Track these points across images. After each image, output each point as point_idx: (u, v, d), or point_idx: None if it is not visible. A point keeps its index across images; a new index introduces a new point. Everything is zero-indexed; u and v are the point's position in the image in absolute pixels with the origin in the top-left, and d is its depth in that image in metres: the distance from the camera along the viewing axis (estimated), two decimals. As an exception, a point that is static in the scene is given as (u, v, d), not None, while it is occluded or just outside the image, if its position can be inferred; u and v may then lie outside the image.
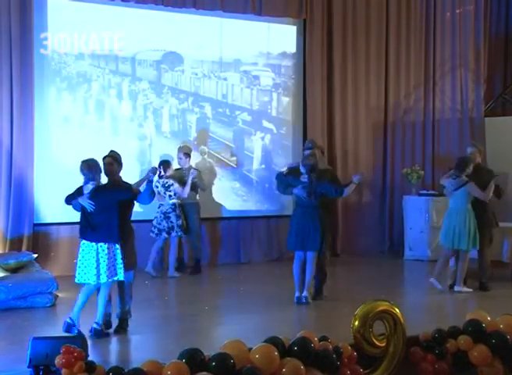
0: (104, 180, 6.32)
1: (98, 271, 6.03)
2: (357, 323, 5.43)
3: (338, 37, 11.02)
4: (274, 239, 10.52)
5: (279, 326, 6.39)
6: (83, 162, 6.13)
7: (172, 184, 9.07)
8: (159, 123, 9.94)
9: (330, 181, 7.69)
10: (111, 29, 9.53)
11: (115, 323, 6.32)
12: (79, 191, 6.13)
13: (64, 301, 7.26)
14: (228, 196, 10.43)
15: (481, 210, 8.14)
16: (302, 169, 7.49)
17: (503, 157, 10.96)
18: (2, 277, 7.49)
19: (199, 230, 9.57)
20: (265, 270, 9.90)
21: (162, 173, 9.07)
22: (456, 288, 8.16)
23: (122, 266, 6.11)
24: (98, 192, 6.06)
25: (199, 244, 9.58)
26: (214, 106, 10.30)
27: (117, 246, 6.10)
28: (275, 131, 10.76)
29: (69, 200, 6.19)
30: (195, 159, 10.03)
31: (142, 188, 6.30)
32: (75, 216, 6.34)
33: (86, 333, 5.88)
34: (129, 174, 6.44)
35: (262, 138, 10.68)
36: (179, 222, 9.11)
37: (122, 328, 6.31)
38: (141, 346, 6.06)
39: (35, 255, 8.38)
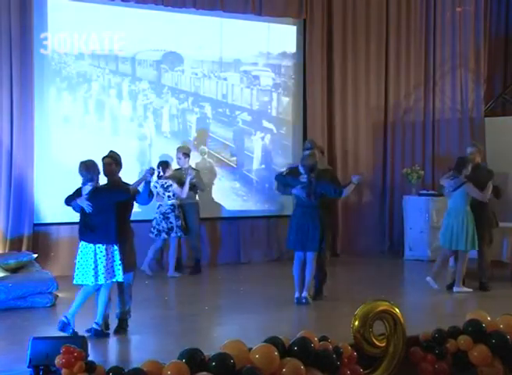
0: (103, 180, 6.32)
1: (96, 272, 6.02)
2: (357, 323, 5.44)
3: (338, 37, 11.02)
4: (274, 239, 10.52)
5: (279, 326, 6.39)
6: (82, 163, 6.13)
7: (171, 185, 9.07)
8: (159, 123, 9.94)
9: (330, 181, 7.68)
10: (111, 29, 9.53)
11: (114, 323, 6.32)
12: (78, 193, 6.14)
13: (64, 301, 7.24)
14: (228, 196, 10.43)
15: (479, 210, 8.15)
16: (301, 170, 7.49)
17: (503, 157, 10.96)
18: (2, 277, 7.49)
19: (198, 230, 9.57)
20: (265, 270, 9.90)
21: (161, 173, 9.08)
22: (455, 289, 8.16)
23: (120, 267, 6.11)
24: (96, 193, 6.06)
25: (199, 244, 9.58)
26: (214, 106, 10.30)
27: (115, 247, 6.10)
28: (275, 131, 10.76)
29: (69, 201, 6.20)
30: (195, 159, 10.04)
31: (141, 188, 6.30)
32: (75, 216, 6.34)
33: (81, 333, 5.87)
34: (129, 174, 6.44)
35: (262, 138, 10.68)
36: (179, 222, 9.11)
37: (122, 328, 6.31)
38: (141, 346, 6.06)
39: (35, 255, 8.38)
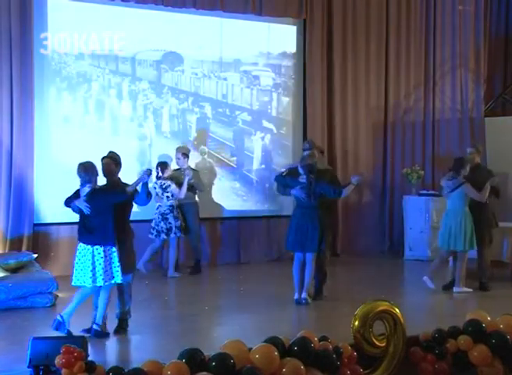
0: (103, 180, 6.32)
1: (94, 274, 6.02)
2: (357, 323, 5.44)
3: (338, 37, 11.02)
4: (274, 239, 10.51)
5: (279, 326, 6.39)
6: (80, 164, 6.13)
7: (170, 185, 9.07)
8: (159, 123, 9.94)
9: (329, 182, 7.67)
10: (111, 29, 9.53)
11: (114, 323, 6.32)
12: (76, 194, 6.14)
13: (64, 301, 7.19)
14: (228, 196, 10.43)
15: (478, 211, 8.15)
16: (300, 170, 7.48)
17: (503, 157, 10.96)
18: (2, 277, 7.49)
19: (198, 230, 9.57)
20: (265, 270, 9.90)
21: (160, 174, 9.09)
22: (455, 289, 8.16)
23: (119, 268, 6.10)
24: (94, 195, 6.06)
25: (199, 244, 9.58)
26: (214, 106, 10.31)
27: (113, 249, 6.10)
28: (275, 131, 10.76)
29: (68, 202, 6.20)
30: (195, 159, 10.05)
31: (139, 188, 6.29)
32: (75, 216, 6.33)
33: (77, 333, 5.88)
34: (130, 174, 6.43)
35: (262, 138, 10.68)
36: (178, 223, 9.10)
37: (122, 328, 6.31)
38: (141, 346, 6.06)
39: (35, 255, 8.38)
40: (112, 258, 6.08)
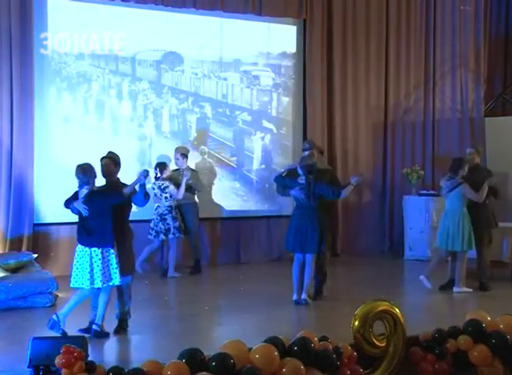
0: (102, 181, 6.32)
1: (92, 276, 6.02)
2: (357, 323, 5.44)
3: (338, 37, 11.02)
4: (274, 239, 10.51)
5: (279, 326, 6.39)
6: (78, 166, 6.12)
7: (168, 186, 9.07)
8: (159, 123, 9.94)
9: (329, 182, 7.65)
10: (111, 29, 9.53)
11: (114, 323, 6.32)
12: (75, 196, 6.14)
13: (64, 302, 7.19)
14: (228, 196, 10.43)
15: (476, 211, 8.15)
16: (299, 171, 7.47)
17: (503, 157, 10.96)
18: (2, 277, 7.49)
19: (197, 230, 9.56)
20: (265, 270, 9.90)
21: (159, 174, 9.09)
22: (455, 289, 8.17)
23: (117, 270, 6.09)
24: (92, 197, 6.06)
25: (198, 244, 9.58)
26: (214, 106, 10.31)
27: (111, 251, 6.09)
28: (275, 131, 10.76)
29: (67, 204, 6.21)
30: (195, 159, 10.05)
31: (137, 188, 6.28)
32: (75, 217, 6.33)
33: (73, 332, 5.87)
34: (129, 174, 6.43)
35: (262, 138, 10.68)
36: (176, 223, 9.10)
37: (122, 328, 6.31)
38: (141, 346, 6.06)
39: (35, 255, 8.38)
40: (109, 260, 6.07)
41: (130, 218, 6.52)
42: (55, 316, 5.98)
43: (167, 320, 6.90)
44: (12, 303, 7.20)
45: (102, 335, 6.09)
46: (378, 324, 5.53)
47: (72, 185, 6.27)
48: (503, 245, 8.99)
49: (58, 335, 5.79)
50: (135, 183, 6.16)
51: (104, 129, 9.58)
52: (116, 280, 6.11)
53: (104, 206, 6.07)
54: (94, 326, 6.10)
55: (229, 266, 10.06)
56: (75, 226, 6.36)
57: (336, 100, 11.03)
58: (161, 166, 9.19)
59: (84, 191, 6.07)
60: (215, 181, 10.33)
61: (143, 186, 6.20)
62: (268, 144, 10.71)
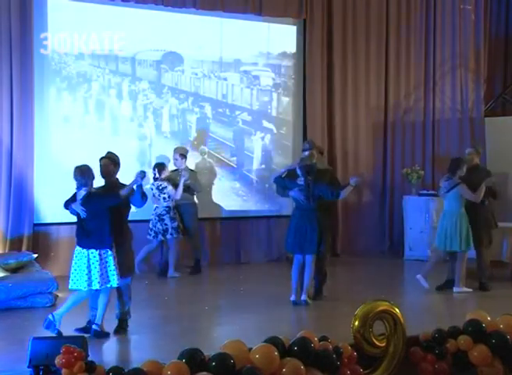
0: (101, 181, 6.32)
1: (90, 277, 6.02)
2: (357, 323, 5.44)
3: (338, 37, 11.02)
4: (274, 239, 10.51)
5: (279, 326, 6.39)
6: (77, 168, 6.12)
7: (166, 187, 9.07)
8: (159, 123, 9.95)
9: (329, 182, 7.64)
10: (111, 29, 9.53)
11: (114, 323, 6.32)
12: (74, 197, 6.14)
13: (64, 302, 7.23)
14: (228, 196, 10.43)
15: (474, 211, 8.14)
16: (298, 172, 7.46)
17: (503, 157, 10.96)
18: (2, 277, 7.49)
19: (197, 230, 9.56)
20: (265, 270, 9.90)
21: (157, 175, 9.09)
22: (455, 289, 8.16)
23: (115, 272, 6.08)
24: (90, 199, 6.06)
25: (198, 244, 9.58)
26: (214, 106, 10.31)
27: (109, 252, 6.09)
28: (275, 131, 10.76)
29: (67, 205, 6.22)
30: (195, 159, 10.05)
31: (135, 188, 6.27)
32: (75, 217, 6.33)
33: (70, 332, 5.88)
34: (130, 175, 6.42)
35: (262, 138, 10.68)
36: (174, 224, 9.09)
37: (122, 328, 6.32)
38: (141, 346, 6.06)
39: (35, 255, 8.38)
40: (107, 262, 6.07)
41: (130, 218, 6.52)
42: (50, 316, 5.98)
43: (167, 320, 6.90)
44: (12, 303, 7.20)
45: (102, 335, 6.09)
46: (378, 324, 5.53)
47: (72, 185, 6.26)
48: (502, 245, 8.99)
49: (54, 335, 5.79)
50: (132, 184, 6.16)
51: (104, 129, 9.58)
52: (114, 282, 6.10)
53: (102, 208, 6.07)
54: (94, 327, 6.10)
55: (229, 266, 10.06)
56: (75, 227, 6.36)
57: (336, 100, 11.03)
58: (160, 166, 9.20)
59: (82, 192, 6.08)
60: (215, 181, 10.33)
61: (140, 187, 6.20)
62: (268, 144, 10.71)
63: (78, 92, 9.43)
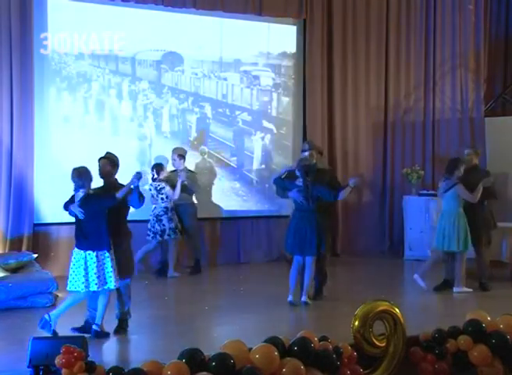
0: (100, 182, 6.32)
1: (87, 279, 6.01)
2: (357, 323, 5.44)
3: (338, 37, 11.02)
4: (274, 239, 10.50)
5: (279, 326, 6.39)
6: (74, 169, 6.12)
7: (164, 187, 9.07)
8: (159, 123, 9.95)
9: (329, 182, 7.63)
10: (111, 29, 9.53)
11: (114, 323, 6.32)
12: (72, 199, 6.15)
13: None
14: (228, 196, 10.43)
15: (472, 211, 8.13)
16: (297, 173, 7.45)
17: (503, 157, 10.96)
18: (2, 277, 7.49)
19: (196, 230, 9.56)
20: (265, 270, 9.90)
21: (155, 175, 9.09)
22: (455, 289, 8.17)
23: (112, 274, 6.07)
24: (87, 200, 6.06)
25: (198, 244, 9.57)
26: (214, 106, 10.31)
27: (107, 254, 6.08)
28: (275, 131, 10.76)
29: (66, 207, 6.22)
30: (195, 159, 10.05)
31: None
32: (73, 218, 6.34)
33: (68, 331, 5.89)
34: (130, 175, 6.42)
35: (262, 138, 10.68)
36: (172, 225, 9.08)
37: (121, 328, 6.31)
38: (141, 346, 6.06)
39: (35, 255, 8.38)
40: (105, 264, 6.06)
41: (129, 218, 6.51)
42: (46, 316, 5.98)
43: (167, 320, 6.91)
44: (12, 303, 7.20)
45: (102, 335, 6.09)
46: (378, 324, 5.53)
47: (72, 185, 6.26)
48: (502, 245, 9.00)
49: (62, 335, 5.78)
50: (128, 185, 6.16)
51: (104, 129, 9.58)
52: (111, 284, 6.09)
53: (100, 209, 6.07)
54: (94, 327, 6.10)
55: (228, 266, 10.06)
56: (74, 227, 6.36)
57: (335, 100, 11.03)
58: (158, 167, 9.19)
59: (80, 194, 6.08)
60: (215, 181, 10.33)
61: (137, 188, 6.20)
62: (268, 144, 10.71)
63: (78, 92, 9.43)
